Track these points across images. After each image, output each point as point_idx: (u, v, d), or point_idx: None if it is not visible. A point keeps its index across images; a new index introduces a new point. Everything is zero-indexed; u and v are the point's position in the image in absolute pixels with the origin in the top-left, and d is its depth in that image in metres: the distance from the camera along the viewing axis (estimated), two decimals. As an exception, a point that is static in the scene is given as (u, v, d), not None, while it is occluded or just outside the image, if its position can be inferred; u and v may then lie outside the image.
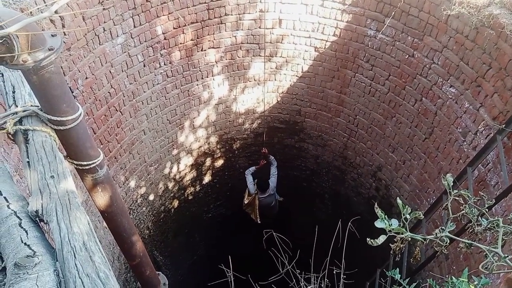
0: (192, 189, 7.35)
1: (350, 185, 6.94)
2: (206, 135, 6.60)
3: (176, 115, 5.92)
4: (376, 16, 4.89)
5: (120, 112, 5.01)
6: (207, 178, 7.44)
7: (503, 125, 3.38)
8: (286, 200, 7.14)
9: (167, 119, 5.85)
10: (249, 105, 6.49)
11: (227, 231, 8.52)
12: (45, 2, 3.28)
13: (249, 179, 6.68)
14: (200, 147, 6.72)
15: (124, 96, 4.97)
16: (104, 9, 4.14)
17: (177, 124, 6.05)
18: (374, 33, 5.02)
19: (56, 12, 3.85)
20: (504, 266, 2.14)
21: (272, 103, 6.50)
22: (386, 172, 6.00)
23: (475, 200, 1.92)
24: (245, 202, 6.82)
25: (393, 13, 4.66)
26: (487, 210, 2.04)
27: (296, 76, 6.07)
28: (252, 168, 6.77)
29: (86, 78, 4.27)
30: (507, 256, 1.66)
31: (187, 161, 6.71)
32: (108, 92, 4.71)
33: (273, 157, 6.61)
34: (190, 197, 7.47)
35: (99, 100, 4.59)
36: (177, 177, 6.79)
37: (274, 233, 2.44)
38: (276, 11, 5.30)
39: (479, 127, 4.07)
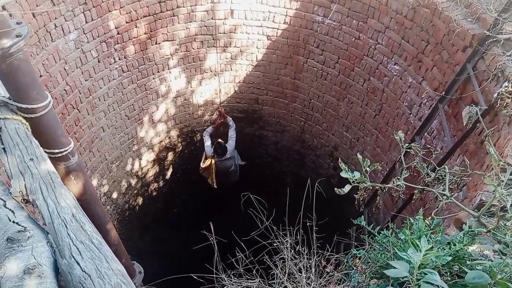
0: (155, 185, 7.34)
1: (309, 167, 7.23)
2: (166, 129, 6.62)
3: (134, 110, 5.90)
4: (323, 3, 5.16)
5: (77, 109, 4.94)
6: (170, 173, 7.46)
7: (443, 93, 3.74)
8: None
9: (126, 115, 5.82)
10: (207, 97, 6.59)
11: (193, 225, 8.56)
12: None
13: (207, 140, 6.33)
14: (161, 141, 6.73)
15: (80, 93, 4.90)
16: (54, 4, 4.08)
17: (136, 119, 6.03)
18: (322, 18, 5.29)
19: (4, 8, 3.79)
20: (453, 212, 2.44)
21: (229, 93, 6.64)
22: (342, 151, 6.33)
23: (424, 152, 2.18)
24: (202, 166, 6.40)
25: (338, -2, 4.95)
26: (433, 162, 2.32)
27: (251, 65, 6.25)
28: (210, 129, 6.47)
29: (41, 76, 4.19)
30: (453, 195, 1.93)
31: (148, 156, 6.70)
32: (64, 90, 4.63)
33: (231, 119, 6.40)
34: (154, 193, 7.45)
35: (55, 98, 4.51)
36: (140, 173, 6.76)
37: (251, 195, 2.60)
38: (228, 2, 5.43)
39: (423, 99, 4.44)
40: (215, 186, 6.55)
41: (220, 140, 6.19)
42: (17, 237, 1.49)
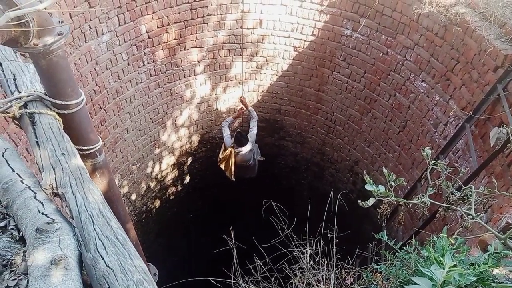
0: (173, 189, 7.41)
1: (328, 180, 7.17)
2: (188, 134, 6.70)
3: (159, 113, 6.00)
4: (352, 16, 5.16)
5: (104, 110, 5.06)
6: (188, 178, 7.52)
7: (471, 112, 3.68)
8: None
9: (150, 118, 5.92)
10: (230, 104, 6.65)
11: (208, 231, 8.58)
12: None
13: (226, 131, 5.95)
14: (182, 146, 6.81)
15: (108, 94, 5.03)
16: (90, 7, 4.21)
17: (160, 123, 6.12)
18: (350, 32, 5.29)
19: (45, 8, 3.92)
20: (475, 234, 2.38)
21: (252, 102, 6.68)
22: (362, 166, 6.27)
23: (450, 170, 2.15)
24: (220, 157, 6.03)
25: (368, 13, 4.94)
26: (459, 181, 2.28)
27: (276, 75, 6.28)
28: (230, 119, 6.09)
29: (72, 75, 4.32)
30: (478, 215, 1.88)
31: (169, 160, 6.78)
32: (93, 90, 4.76)
33: (252, 109, 6.06)
34: (172, 197, 7.52)
35: (84, 98, 4.63)
36: (159, 176, 6.84)
37: (272, 203, 2.60)
38: (257, 12, 5.50)
39: (449, 118, 4.37)
40: (233, 179, 6.24)
41: (239, 130, 5.86)
42: (45, 228, 1.54)
